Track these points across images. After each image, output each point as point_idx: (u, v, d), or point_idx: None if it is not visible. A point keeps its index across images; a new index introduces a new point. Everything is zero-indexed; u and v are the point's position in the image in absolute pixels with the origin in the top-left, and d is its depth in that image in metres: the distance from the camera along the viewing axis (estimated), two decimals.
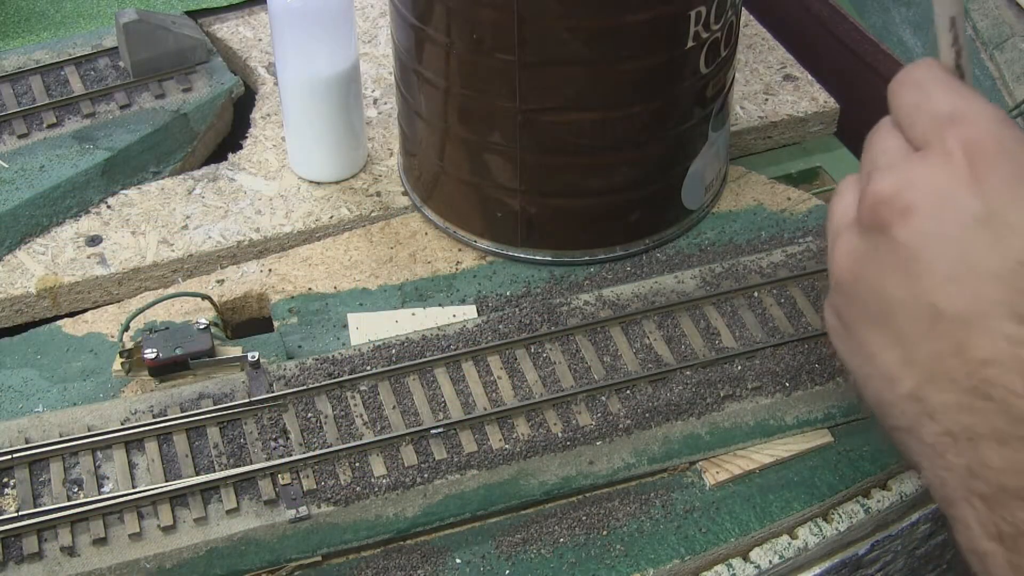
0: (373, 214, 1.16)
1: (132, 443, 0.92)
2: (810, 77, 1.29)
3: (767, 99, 1.26)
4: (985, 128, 0.61)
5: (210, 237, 1.13)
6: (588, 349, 0.98)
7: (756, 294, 1.03)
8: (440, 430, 0.92)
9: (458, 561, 0.89)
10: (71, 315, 1.09)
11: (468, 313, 1.05)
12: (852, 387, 0.72)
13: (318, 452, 0.90)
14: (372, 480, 0.90)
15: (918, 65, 0.67)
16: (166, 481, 0.89)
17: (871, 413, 0.68)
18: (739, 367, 0.98)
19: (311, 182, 1.19)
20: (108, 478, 0.90)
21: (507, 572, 0.89)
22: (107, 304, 1.10)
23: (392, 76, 1.19)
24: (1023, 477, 0.56)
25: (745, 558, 0.92)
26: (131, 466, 0.90)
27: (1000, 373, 0.57)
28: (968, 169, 0.61)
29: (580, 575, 0.88)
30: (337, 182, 1.19)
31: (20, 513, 0.87)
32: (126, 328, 1.02)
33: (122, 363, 0.98)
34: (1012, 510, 0.57)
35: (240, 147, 1.23)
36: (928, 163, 0.62)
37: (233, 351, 0.99)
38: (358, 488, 0.89)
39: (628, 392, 0.96)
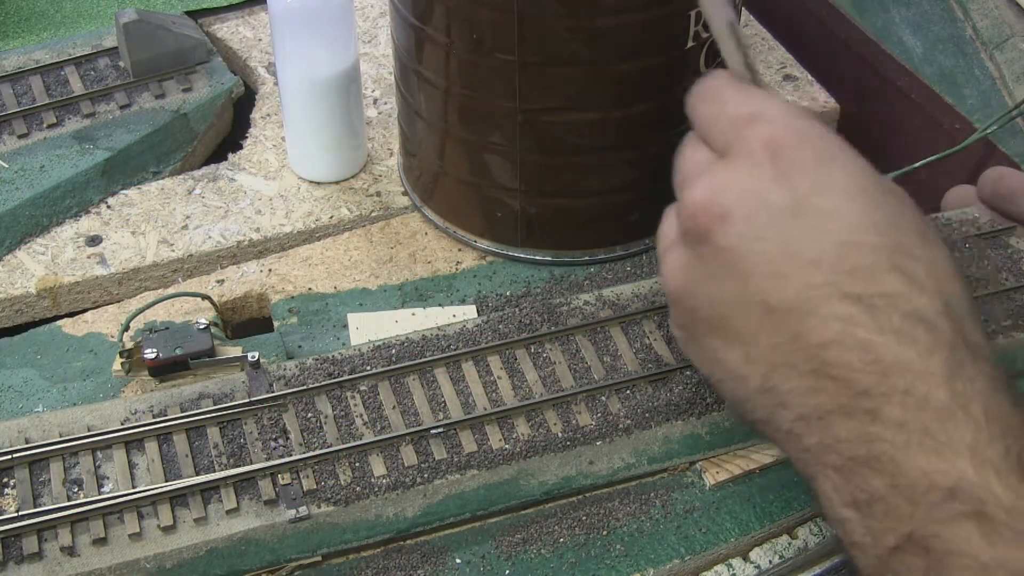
0: (373, 214, 1.16)
1: (132, 443, 0.92)
2: (810, 77, 1.29)
3: None
4: (781, 123, 0.64)
5: (210, 237, 1.13)
6: (588, 349, 0.98)
7: None
8: (440, 430, 0.92)
9: (458, 561, 0.89)
10: (71, 315, 1.09)
11: (468, 313, 1.05)
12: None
13: (318, 452, 0.90)
14: (372, 480, 0.90)
15: (710, 77, 0.71)
16: (166, 481, 0.89)
17: (736, 414, 0.72)
18: None
19: (311, 182, 1.19)
20: (108, 478, 0.90)
21: (507, 572, 0.89)
22: (107, 304, 1.10)
23: (392, 76, 1.19)
24: (869, 446, 0.59)
25: (745, 558, 0.91)
26: (131, 466, 0.90)
27: (838, 353, 0.59)
28: (771, 164, 0.63)
29: (580, 575, 0.88)
30: (337, 182, 1.19)
31: (20, 513, 0.87)
32: (126, 328, 1.02)
33: (122, 363, 0.98)
34: (863, 477, 0.59)
35: (240, 147, 1.23)
36: (734, 166, 0.64)
37: (233, 351, 0.99)
38: (358, 488, 0.89)
39: (628, 392, 0.96)
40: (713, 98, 0.69)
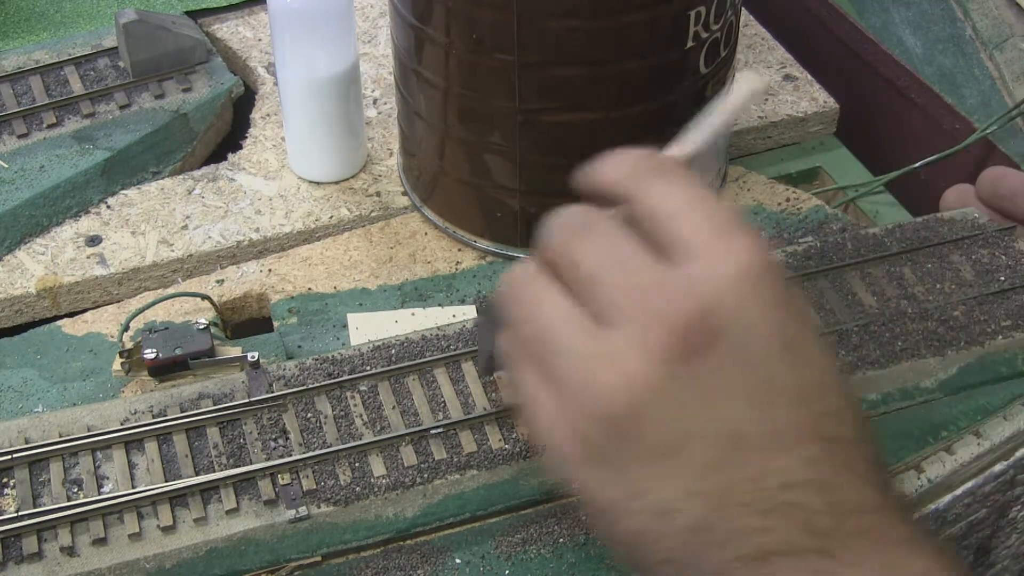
0: (373, 214, 1.16)
1: (132, 443, 0.92)
2: (810, 77, 1.29)
3: (767, 99, 1.26)
4: (760, 245, 0.58)
5: (210, 237, 1.13)
6: None
7: None
8: (440, 430, 0.92)
9: (458, 561, 0.89)
10: (71, 315, 1.09)
11: (468, 313, 1.05)
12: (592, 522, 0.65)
13: (318, 452, 0.90)
14: (372, 480, 0.90)
15: (645, 157, 0.62)
16: (166, 481, 0.89)
17: (620, 554, 0.61)
18: None
19: (311, 182, 1.19)
20: (108, 478, 0.90)
21: (507, 572, 0.89)
22: (107, 304, 1.10)
23: (392, 76, 1.19)
24: None
25: None
26: (131, 466, 0.90)
27: (801, 494, 0.56)
28: (769, 288, 0.58)
29: (580, 575, 0.88)
30: (337, 182, 1.19)
31: (20, 513, 0.87)
32: (126, 328, 1.02)
33: (122, 363, 0.98)
34: None
35: (240, 147, 1.23)
36: (732, 276, 0.57)
37: (233, 351, 0.99)
38: (358, 488, 0.89)
39: None
40: (666, 182, 0.60)
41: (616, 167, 0.62)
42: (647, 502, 0.58)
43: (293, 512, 0.88)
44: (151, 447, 0.91)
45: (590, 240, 0.60)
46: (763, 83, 0.68)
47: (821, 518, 0.56)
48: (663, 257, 0.58)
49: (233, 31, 1.37)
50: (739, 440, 0.57)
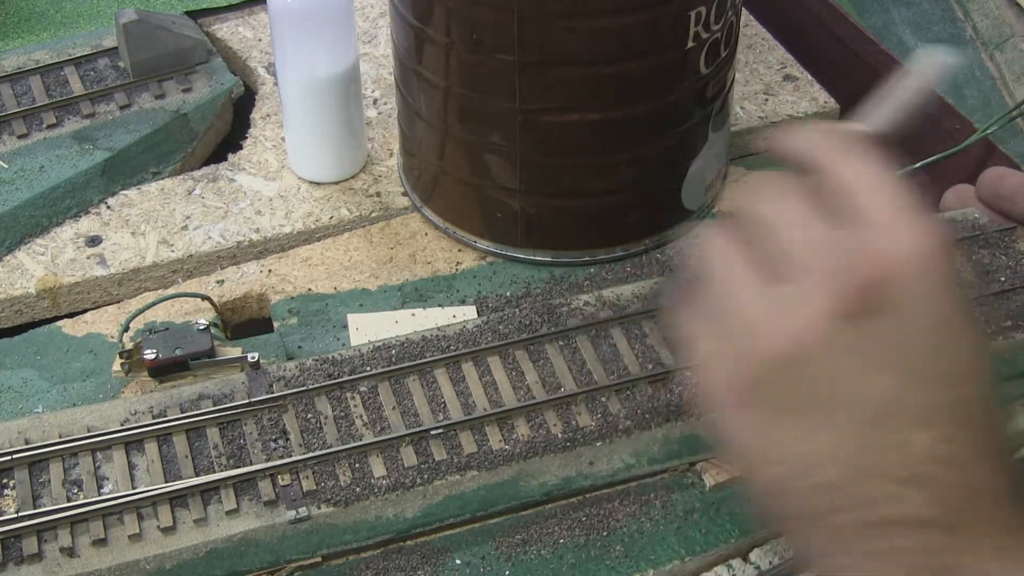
0: (373, 214, 1.16)
1: (132, 444, 0.92)
2: (810, 77, 1.29)
3: (767, 99, 1.26)
4: (935, 227, 0.60)
5: (210, 237, 1.13)
6: (588, 350, 0.98)
7: None
8: (440, 431, 0.92)
9: (458, 562, 0.89)
10: (71, 315, 1.09)
11: (468, 314, 1.05)
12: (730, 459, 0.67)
13: (318, 453, 0.90)
14: (372, 481, 0.90)
15: (839, 132, 0.64)
16: (166, 482, 0.89)
17: (759, 502, 0.63)
18: None
19: (311, 182, 1.19)
20: (108, 479, 0.90)
21: (507, 573, 0.89)
22: (107, 305, 1.10)
23: (392, 76, 1.18)
24: (932, 555, 0.58)
25: (745, 559, 0.91)
26: (131, 467, 0.90)
27: (938, 469, 0.58)
28: (941, 270, 0.59)
29: None
30: (337, 182, 1.19)
31: (20, 514, 0.87)
32: (126, 329, 1.02)
33: (122, 364, 0.98)
34: None
35: (240, 147, 1.23)
36: (908, 253, 0.59)
37: (233, 352, 0.99)
38: (358, 489, 0.89)
39: (628, 393, 0.96)
40: (852, 158, 0.62)
41: (808, 138, 0.64)
42: (793, 452, 0.60)
43: (293, 513, 0.88)
44: (151, 448, 0.91)
45: (776, 201, 0.62)
46: (954, 57, 0.69)
47: (954, 493, 0.58)
48: (849, 226, 0.60)
49: (233, 31, 1.37)
50: (890, 408, 0.59)
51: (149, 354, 0.95)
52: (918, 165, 1.22)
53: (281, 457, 0.90)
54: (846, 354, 0.59)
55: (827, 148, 0.63)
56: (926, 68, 0.69)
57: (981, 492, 0.58)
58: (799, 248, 0.60)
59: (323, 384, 0.95)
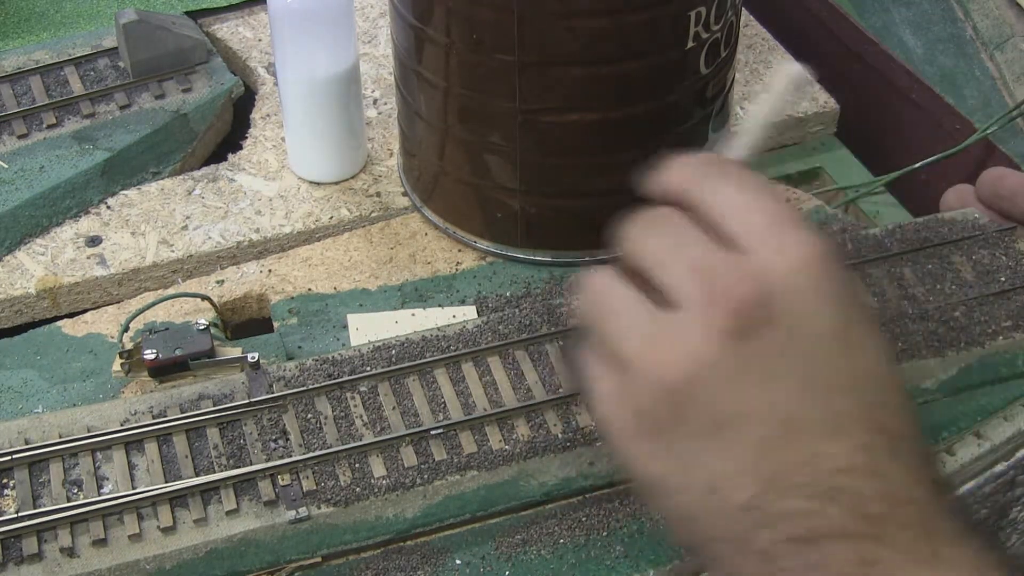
0: (373, 214, 1.16)
1: (132, 444, 0.92)
2: (810, 77, 1.29)
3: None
4: (815, 238, 0.60)
5: (210, 237, 1.13)
6: None
7: None
8: (440, 431, 0.92)
9: (458, 562, 0.89)
10: (71, 316, 1.09)
11: (468, 314, 1.05)
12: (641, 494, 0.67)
13: (318, 453, 0.90)
14: (372, 481, 0.90)
15: (705, 160, 0.65)
16: (166, 482, 0.89)
17: (671, 533, 0.63)
18: None
19: (311, 182, 1.19)
20: (108, 479, 0.90)
21: (507, 573, 0.89)
22: (107, 305, 1.10)
23: (392, 76, 1.19)
24: (866, 567, 0.57)
25: None
26: (131, 467, 0.90)
27: (853, 479, 0.57)
28: (827, 280, 0.59)
29: None
30: (337, 182, 1.19)
31: (19, 514, 0.87)
32: (126, 329, 1.02)
33: (122, 364, 0.98)
34: None
35: (240, 147, 1.23)
36: (788, 269, 0.59)
37: (233, 352, 0.99)
38: (358, 489, 0.89)
39: None
40: (733, 184, 0.63)
41: (678, 170, 0.65)
42: (698, 477, 0.60)
43: (293, 513, 0.88)
44: (151, 448, 0.91)
45: (657, 232, 0.63)
46: (799, 71, 0.70)
47: (872, 504, 0.57)
48: (726, 250, 0.61)
49: (233, 31, 1.37)
50: (793, 423, 0.58)
51: (149, 354, 0.95)
52: (918, 165, 1.22)
53: (281, 457, 0.90)
54: (739, 372, 0.58)
55: (697, 176, 0.63)
56: (779, 84, 0.69)
57: (904, 500, 0.57)
58: (679, 277, 0.60)
59: (323, 384, 0.95)
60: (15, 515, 0.86)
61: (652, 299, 0.61)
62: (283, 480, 0.89)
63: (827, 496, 0.57)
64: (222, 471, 0.89)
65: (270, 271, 1.11)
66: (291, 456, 0.90)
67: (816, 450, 0.58)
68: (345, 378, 0.95)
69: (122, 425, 0.92)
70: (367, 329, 1.04)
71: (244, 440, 0.92)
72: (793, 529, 0.57)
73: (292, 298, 1.08)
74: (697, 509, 0.60)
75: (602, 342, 0.62)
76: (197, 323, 0.98)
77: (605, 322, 0.62)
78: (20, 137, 1.20)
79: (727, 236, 0.60)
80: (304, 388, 0.94)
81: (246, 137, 1.24)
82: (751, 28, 1.35)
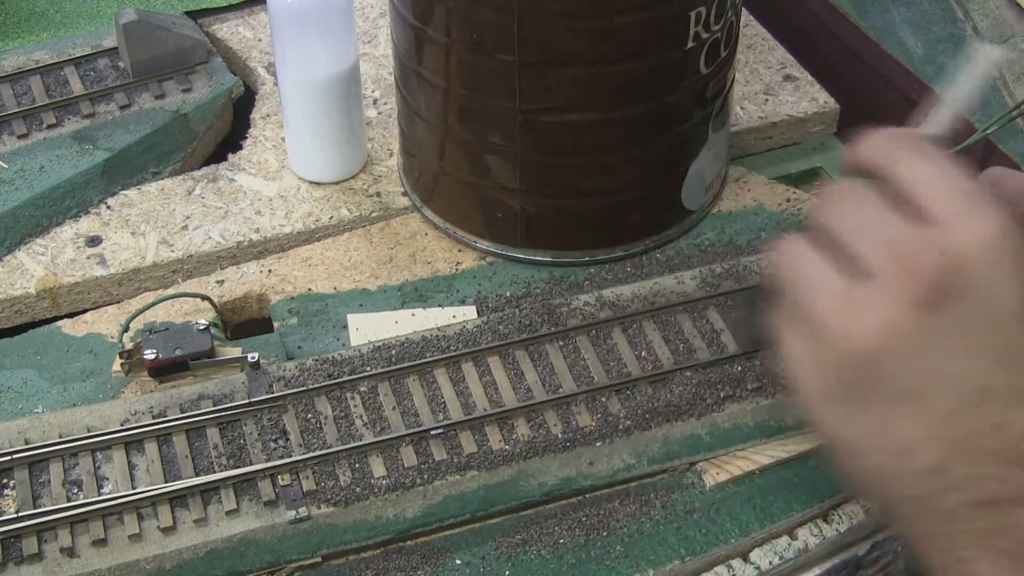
0: (373, 214, 1.16)
1: (132, 444, 0.92)
2: (810, 77, 1.29)
3: (767, 99, 1.26)
4: (1000, 215, 0.62)
5: (210, 237, 1.13)
6: (588, 350, 0.98)
7: None
8: (440, 431, 0.92)
9: (458, 562, 0.89)
10: (71, 316, 1.09)
11: (468, 314, 1.05)
12: (831, 452, 0.70)
13: (318, 453, 0.90)
14: (372, 481, 0.90)
15: (899, 135, 0.67)
16: (166, 482, 0.89)
17: (857, 486, 0.67)
18: (739, 368, 0.98)
19: (311, 182, 1.19)
20: (108, 479, 0.90)
21: (507, 573, 0.89)
22: (107, 305, 1.10)
23: (392, 76, 1.18)
24: None
25: (745, 559, 0.91)
26: (131, 467, 0.90)
27: None
28: (1012, 255, 0.61)
29: None
30: (337, 182, 1.19)
31: (20, 514, 0.87)
32: (126, 329, 1.02)
33: (122, 364, 0.98)
34: None
35: (240, 147, 1.23)
36: (979, 243, 0.61)
37: (233, 352, 0.99)
38: (358, 489, 0.89)
39: (628, 393, 0.96)
40: (925, 159, 0.65)
41: (874, 144, 0.67)
42: (888, 440, 0.63)
43: (293, 513, 0.88)
44: (151, 448, 0.91)
45: (848, 206, 0.65)
46: (999, 54, 0.72)
47: None
48: (918, 223, 0.63)
49: (233, 31, 1.37)
50: (982, 392, 0.61)
51: (149, 354, 0.95)
52: None
53: (281, 457, 0.90)
54: (929, 343, 0.61)
55: (892, 151, 0.66)
56: (978, 66, 0.71)
57: None
58: (872, 248, 0.63)
59: (323, 384, 0.95)
60: (15, 515, 0.86)
61: (843, 267, 0.63)
62: (283, 480, 0.89)
63: (1015, 462, 0.60)
64: (222, 471, 0.89)
65: (270, 271, 1.11)
66: (291, 456, 0.90)
67: (1005, 418, 0.60)
68: (345, 378, 0.95)
69: (122, 425, 0.92)
70: (367, 329, 1.04)
71: (244, 440, 0.92)
72: (980, 492, 0.60)
73: (292, 298, 1.08)
74: (888, 470, 0.63)
75: (796, 307, 0.65)
76: (197, 323, 0.98)
77: (800, 288, 0.65)
78: (20, 137, 1.20)
79: (919, 209, 0.62)
80: (304, 388, 0.94)
81: (246, 137, 1.24)
82: (751, 28, 1.35)
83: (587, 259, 1.10)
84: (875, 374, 0.62)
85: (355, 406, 0.94)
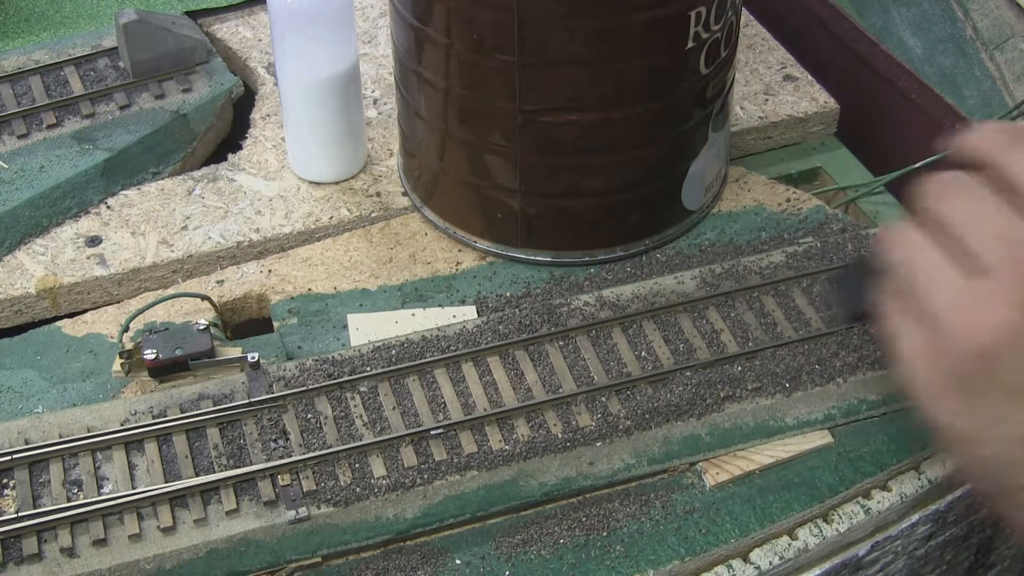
0: (373, 215, 1.16)
1: (132, 444, 0.92)
2: (810, 77, 1.29)
3: (767, 99, 1.26)
4: None
5: (210, 238, 1.13)
6: (588, 350, 0.98)
7: (756, 295, 1.03)
8: (440, 431, 0.92)
9: (458, 562, 0.89)
10: (71, 316, 1.09)
11: (468, 314, 1.05)
12: (942, 442, 0.71)
13: (318, 453, 0.90)
14: (372, 481, 0.90)
15: (1012, 129, 0.67)
16: (166, 482, 0.89)
17: (975, 477, 0.69)
18: (739, 368, 0.98)
19: (311, 182, 1.19)
20: (108, 479, 0.90)
21: (507, 573, 0.89)
22: (107, 305, 1.10)
23: (392, 76, 1.19)
24: None
25: (745, 559, 0.91)
26: (131, 467, 0.90)
27: None
28: None
29: None
30: (337, 182, 1.19)
31: (20, 514, 0.87)
32: (126, 329, 1.02)
33: (122, 364, 0.98)
34: None
35: (240, 147, 1.23)
36: None
37: (233, 352, 0.99)
38: (358, 489, 0.89)
39: (628, 393, 0.96)
40: None
41: (983, 136, 0.67)
42: (1006, 431, 0.64)
43: (293, 513, 0.88)
44: (151, 448, 0.91)
45: (959, 199, 0.66)
46: None
47: None
48: None
49: (233, 31, 1.37)
50: None
51: (149, 354, 0.95)
52: (918, 165, 1.22)
53: (281, 457, 0.90)
54: None
55: (1001, 144, 0.66)
56: None
57: None
58: (985, 244, 0.64)
59: (323, 384, 0.95)
60: (15, 515, 0.86)
61: (958, 260, 0.65)
62: (283, 480, 0.89)
63: None
64: (222, 471, 0.89)
65: (270, 271, 1.11)
66: (291, 456, 0.90)
67: None
68: (345, 378, 0.95)
69: (122, 425, 0.92)
70: (367, 329, 1.04)
71: (244, 440, 0.92)
72: None
73: (292, 298, 1.08)
74: (1004, 459, 0.65)
75: (910, 298, 0.66)
76: (197, 323, 0.98)
77: (916, 280, 0.66)
78: (20, 137, 1.20)
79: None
80: (304, 388, 0.94)
81: (246, 137, 1.24)
82: (751, 28, 1.35)
83: (587, 259, 1.10)
84: (992, 371, 0.64)
85: (355, 406, 0.94)
